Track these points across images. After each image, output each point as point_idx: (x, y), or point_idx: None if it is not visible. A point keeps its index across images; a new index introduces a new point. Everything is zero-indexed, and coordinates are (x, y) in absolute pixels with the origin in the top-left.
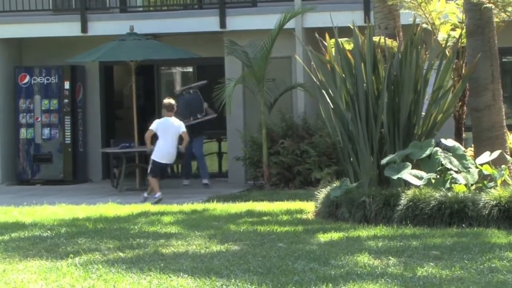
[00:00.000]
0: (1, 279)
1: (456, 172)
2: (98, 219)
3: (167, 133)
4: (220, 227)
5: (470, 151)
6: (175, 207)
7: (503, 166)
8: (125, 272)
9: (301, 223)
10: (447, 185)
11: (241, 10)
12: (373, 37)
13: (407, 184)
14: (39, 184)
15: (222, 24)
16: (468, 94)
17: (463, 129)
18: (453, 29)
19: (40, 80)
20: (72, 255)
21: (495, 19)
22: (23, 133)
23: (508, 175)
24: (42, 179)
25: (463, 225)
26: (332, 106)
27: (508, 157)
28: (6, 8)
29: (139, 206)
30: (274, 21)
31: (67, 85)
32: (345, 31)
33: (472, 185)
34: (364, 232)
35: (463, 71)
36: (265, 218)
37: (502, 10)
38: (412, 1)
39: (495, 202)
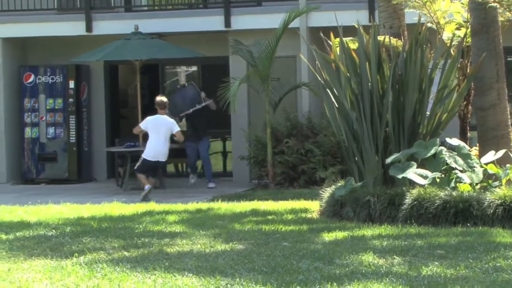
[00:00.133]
0: (6, 278)
1: (461, 171)
2: (103, 218)
3: (159, 131)
4: (225, 226)
5: (475, 150)
6: (179, 206)
7: (508, 165)
8: (130, 271)
9: (305, 222)
10: (452, 184)
11: (246, 9)
12: (378, 37)
13: (412, 183)
14: (44, 183)
15: (227, 23)
16: (473, 93)
17: (468, 128)
18: (458, 28)
19: (45, 80)
20: (77, 254)
21: (500, 18)
22: (28, 132)
23: None
24: (47, 178)
25: (468, 224)
26: (336, 105)
27: None
28: (11, 7)
29: (144, 205)
30: (279, 20)
31: (72, 84)
32: (350, 31)
33: (477, 184)
34: (368, 231)
35: (468, 70)
36: (269, 217)
37: (507, 9)
38: (417, 0)
39: (500, 201)
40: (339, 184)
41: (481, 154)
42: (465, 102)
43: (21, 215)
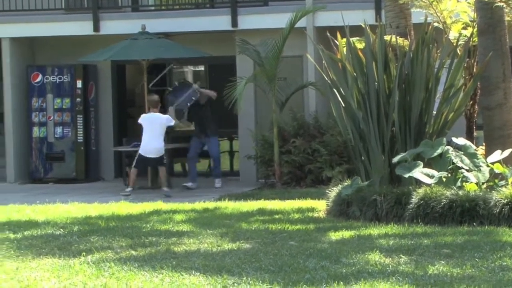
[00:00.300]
0: (14, 276)
1: (467, 170)
2: (110, 217)
3: (152, 128)
4: (232, 226)
5: (481, 150)
6: (187, 206)
7: None
8: (137, 270)
9: (312, 222)
10: (458, 183)
11: (253, 9)
12: (385, 36)
13: (418, 183)
14: (51, 183)
15: (234, 23)
16: (479, 93)
17: (474, 127)
18: (464, 28)
19: (53, 79)
20: (84, 253)
21: (507, 18)
22: (36, 131)
23: None
24: (54, 177)
25: (474, 224)
26: (343, 105)
27: None
28: (18, 7)
29: (151, 204)
30: (286, 20)
31: (79, 84)
32: (356, 30)
33: (483, 183)
34: (375, 230)
35: (475, 70)
36: (276, 216)
37: None
38: (423, 0)
39: (506, 200)
40: (346, 183)
41: (488, 153)
42: (471, 102)
43: (29, 214)
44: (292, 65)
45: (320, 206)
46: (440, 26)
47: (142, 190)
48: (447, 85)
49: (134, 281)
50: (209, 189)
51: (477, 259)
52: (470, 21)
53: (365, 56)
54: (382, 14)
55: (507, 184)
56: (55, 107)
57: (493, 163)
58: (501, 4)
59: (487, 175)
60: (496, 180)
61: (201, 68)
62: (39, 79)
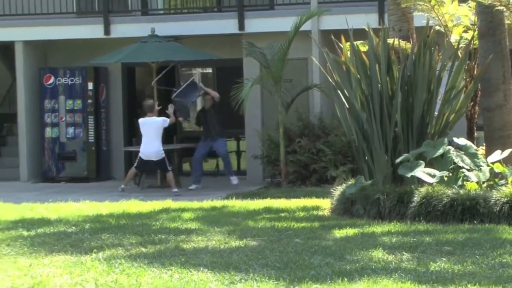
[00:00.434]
0: (27, 273)
1: (468, 170)
2: (121, 215)
3: (148, 132)
4: (239, 223)
5: (481, 150)
6: (195, 204)
7: None
8: (147, 267)
9: (317, 220)
10: (459, 182)
11: (259, 13)
12: (387, 39)
13: (420, 182)
14: (63, 182)
15: (241, 26)
16: (480, 94)
17: (475, 128)
18: (465, 31)
19: (65, 81)
20: (96, 250)
21: (507, 21)
22: (48, 132)
23: None
24: (66, 176)
25: (475, 222)
26: (347, 106)
27: None
28: (31, 11)
29: (160, 203)
30: (291, 23)
31: (90, 85)
32: (360, 33)
33: (483, 182)
34: (378, 228)
35: (475, 72)
36: (282, 214)
37: None
38: (425, 4)
39: (506, 199)
40: (350, 182)
41: (488, 153)
42: (472, 103)
43: (42, 212)
44: (297, 67)
45: (324, 205)
46: (442, 29)
47: (152, 189)
48: (449, 87)
49: (144, 277)
50: (217, 188)
51: (477, 256)
52: (471, 24)
53: (368, 58)
54: (385, 17)
55: (507, 183)
56: (67, 108)
57: (493, 163)
58: (501, 8)
59: (488, 175)
60: (496, 179)
61: (209, 70)
62: (51, 81)
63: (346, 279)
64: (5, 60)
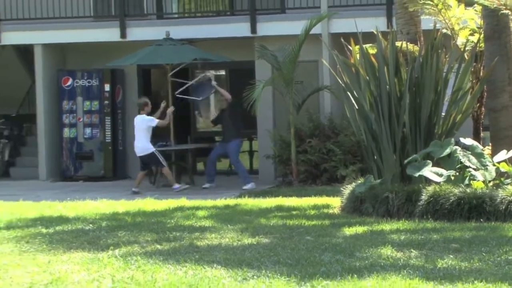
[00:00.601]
0: (46, 269)
1: (474, 169)
2: (136, 213)
3: (137, 128)
4: (252, 221)
5: (487, 150)
6: (209, 202)
7: None
8: (162, 263)
9: (327, 218)
10: (466, 181)
11: (271, 16)
12: (396, 42)
13: (428, 181)
14: (81, 181)
15: (253, 29)
16: (485, 96)
17: (481, 128)
18: (471, 34)
19: (82, 83)
20: (112, 247)
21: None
22: (66, 132)
23: None
24: (84, 175)
25: (481, 220)
26: (356, 107)
27: None
28: (50, 15)
29: (175, 201)
30: (302, 27)
31: (107, 87)
32: (369, 36)
33: (489, 181)
34: (387, 226)
35: (481, 74)
36: (293, 212)
37: None
38: (432, 8)
39: (511, 198)
40: (359, 181)
41: (494, 153)
42: (478, 104)
43: (60, 210)
44: (308, 69)
45: (335, 203)
46: (449, 32)
47: (167, 187)
48: (455, 88)
49: (159, 273)
50: (230, 187)
51: (484, 254)
52: (477, 27)
53: (377, 61)
54: (393, 21)
55: None
56: (85, 109)
57: (499, 162)
58: (507, 11)
59: (494, 174)
60: (502, 179)
61: (222, 72)
62: (69, 83)
63: (355, 275)
64: (25, 62)
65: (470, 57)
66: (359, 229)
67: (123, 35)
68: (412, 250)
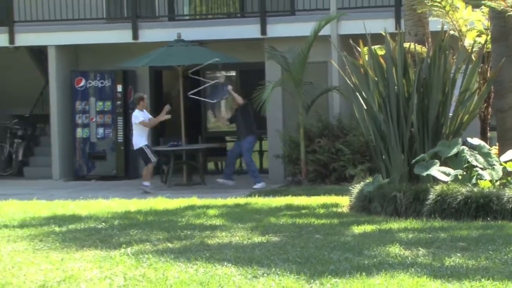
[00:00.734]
0: (59, 267)
1: (481, 169)
2: (148, 212)
3: (132, 124)
4: (261, 220)
5: (494, 149)
6: (219, 201)
7: None
8: (174, 261)
9: (336, 216)
10: (473, 181)
11: (281, 18)
12: (404, 43)
13: (435, 180)
14: (94, 180)
15: (263, 31)
16: (492, 96)
17: (488, 128)
18: (478, 36)
19: (95, 84)
20: (124, 245)
21: None
22: (79, 132)
23: None
24: (96, 175)
25: (488, 219)
26: (365, 108)
27: None
28: (63, 17)
29: (186, 200)
30: (311, 28)
31: (119, 88)
32: (377, 38)
33: (496, 181)
34: (395, 224)
35: (488, 75)
36: (303, 211)
37: None
38: (440, 9)
39: None
40: (368, 180)
41: (501, 153)
42: (485, 104)
43: (73, 209)
44: (317, 70)
45: (343, 202)
46: (456, 33)
47: (178, 186)
48: (463, 89)
49: (170, 271)
50: (240, 186)
51: (491, 252)
52: (484, 29)
53: (385, 62)
54: (402, 22)
55: None
56: (97, 109)
57: (506, 162)
58: None
59: (500, 173)
60: (509, 178)
61: (233, 73)
62: (82, 83)
63: (364, 273)
64: (39, 63)
65: (477, 58)
66: (368, 228)
67: (135, 36)
68: (420, 248)
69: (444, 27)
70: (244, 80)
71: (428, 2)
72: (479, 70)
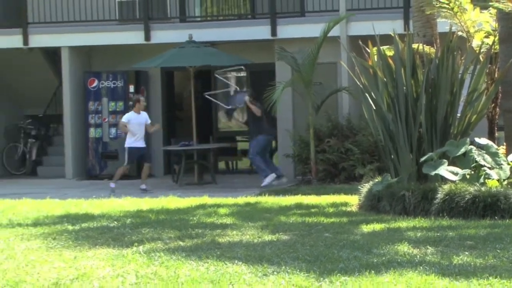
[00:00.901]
0: (72, 265)
1: (489, 168)
2: (160, 211)
3: None
4: (272, 219)
5: (502, 149)
6: (230, 200)
7: None
8: (185, 260)
9: (345, 215)
10: (481, 180)
11: (291, 19)
12: (412, 44)
13: (443, 180)
14: (106, 179)
15: (273, 32)
16: (500, 97)
17: (496, 128)
18: (486, 37)
19: (108, 84)
20: (136, 244)
21: None
22: (92, 132)
23: None
24: (109, 174)
25: (496, 217)
26: (374, 108)
27: None
28: (77, 18)
29: (197, 199)
30: (321, 29)
31: (131, 88)
32: (386, 39)
33: (504, 180)
34: (403, 223)
35: (496, 75)
36: (312, 210)
37: None
38: (448, 11)
39: None
40: (377, 180)
41: (508, 152)
42: (493, 105)
43: (86, 208)
44: (327, 71)
45: (352, 201)
46: (464, 35)
47: (189, 186)
48: (471, 89)
49: (182, 269)
50: (251, 185)
51: (498, 250)
52: (492, 30)
53: (394, 62)
54: (410, 24)
55: None
56: (110, 110)
57: None
58: None
59: (508, 173)
60: None
61: (243, 74)
62: (95, 84)
63: (373, 271)
64: (52, 64)
65: (485, 59)
66: (377, 227)
67: (147, 37)
68: (428, 247)
69: (452, 28)
70: (255, 80)
71: (436, 4)
72: (487, 70)
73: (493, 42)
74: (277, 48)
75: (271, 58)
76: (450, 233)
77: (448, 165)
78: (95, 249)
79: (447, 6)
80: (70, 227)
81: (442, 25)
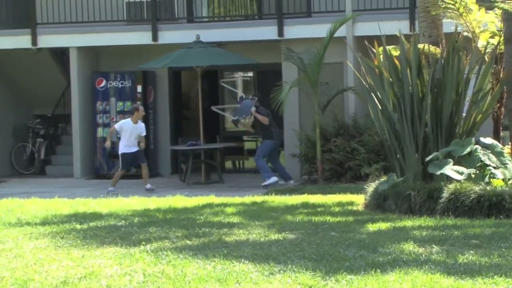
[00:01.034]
0: (80, 264)
1: (494, 167)
2: (167, 210)
3: None
4: (278, 218)
5: (507, 149)
6: (237, 199)
7: None
8: (192, 258)
9: (351, 214)
10: (486, 179)
11: (297, 20)
12: (418, 45)
13: (449, 179)
14: None
15: (280, 33)
16: (505, 96)
17: (501, 128)
18: (491, 37)
19: (115, 84)
20: (144, 243)
21: None
22: (100, 132)
23: None
24: None
25: (501, 217)
26: (380, 108)
27: None
28: (85, 19)
29: (204, 198)
30: (327, 30)
31: (139, 88)
32: (392, 39)
33: (509, 179)
34: (409, 222)
35: (501, 75)
36: (319, 209)
37: None
38: (454, 12)
39: None
40: (382, 179)
41: None
42: (498, 105)
43: (94, 207)
44: (333, 71)
45: (358, 200)
46: (469, 35)
47: (196, 185)
48: (476, 89)
49: (189, 268)
50: (257, 185)
51: (503, 249)
52: (497, 30)
53: (400, 63)
54: (416, 24)
55: None
56: (118, 109)
57: None
58: None
59: None
60: None
61: (250, 74)
62: (103, 84)
63: (378, 270)
64: (60, 64)
65: (490, 59)
66: (382, 226)
67: (154, 38)
68: (434, 246)
69: (458, 28)
70: (261, 81)
71: (442, 4)
72: (492, 70)
73: (499, 42)
74: (283, 48)
75: (277, 58)
76: (456, 232)
77: (454, 164)
78: (103, 248)
79: (452, 6)
80: (78, 226)
81: (448, 25)
